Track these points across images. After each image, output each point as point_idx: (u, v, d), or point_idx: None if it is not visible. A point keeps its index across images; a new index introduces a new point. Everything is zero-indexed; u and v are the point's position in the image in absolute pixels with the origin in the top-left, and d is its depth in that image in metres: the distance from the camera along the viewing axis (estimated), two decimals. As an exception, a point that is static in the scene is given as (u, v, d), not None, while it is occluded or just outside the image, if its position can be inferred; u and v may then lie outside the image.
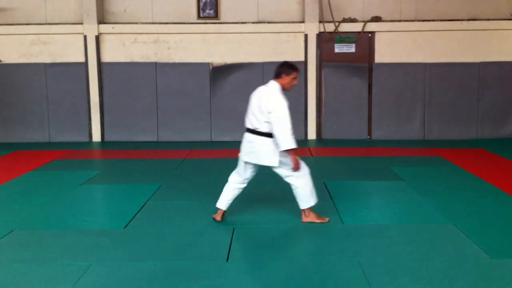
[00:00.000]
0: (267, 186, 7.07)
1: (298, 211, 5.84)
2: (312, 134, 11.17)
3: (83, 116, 11.15)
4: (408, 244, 4.80)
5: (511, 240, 4.87)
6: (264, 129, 5.18)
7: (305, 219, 5.43)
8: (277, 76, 5.26)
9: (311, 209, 5.45)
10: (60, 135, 11.19)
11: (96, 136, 11.18)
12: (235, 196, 5.55)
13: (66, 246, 4.82)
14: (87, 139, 11.18)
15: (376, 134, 11.19)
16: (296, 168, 5.16)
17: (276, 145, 5.15)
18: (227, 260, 4.45)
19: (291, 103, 11.17)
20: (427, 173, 7.74)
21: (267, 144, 5.18)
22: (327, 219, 5.46)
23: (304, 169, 5.30)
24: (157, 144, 10.93)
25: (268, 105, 5.10)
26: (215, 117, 11.20)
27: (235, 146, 10.39)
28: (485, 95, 11.09)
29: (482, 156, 9.15)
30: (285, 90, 5.30)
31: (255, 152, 5.22)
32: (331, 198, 6.36)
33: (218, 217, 5.51)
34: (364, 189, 6.90)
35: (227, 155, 9.55)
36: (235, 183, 5.50)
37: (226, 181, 7.36)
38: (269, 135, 5.18)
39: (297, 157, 5.21)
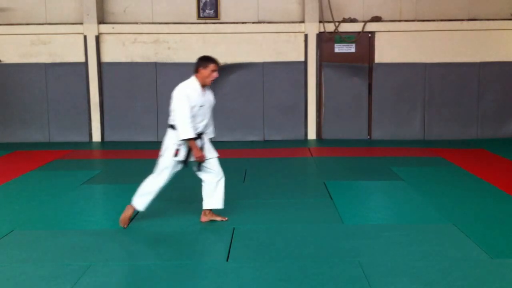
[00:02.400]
0: (267, 186, 7.07)
1: (296, 211, 5.85)
2: (312, 134, 11.17)
3: (83, 116, 11.15)
4: (408, 244, 4.80)
5: (511, 240, 4.87)
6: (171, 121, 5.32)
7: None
8: (195, 71, 5.33)
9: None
10: (60, 135, 11.18)
11: (96, 136, 11.18)
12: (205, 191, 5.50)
13: (66, 246, 4.82)
14: (87, 139, 11.18)
15: (376, 134, 11.19)
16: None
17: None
18: (227, 260, 4.46)
19: (291, 103, 11.33)
20: (427, 173, 7.74)
21: (169, 136, 5.30)
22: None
23: (157, 179, 5.29)
24: (157, 144, 10.89)
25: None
26: (215, 117, 11.04)
27: (235, 146, 10.51)
28: (485, 95, 11.08)
29: (482, 156, 9.15)
30: (205, 84, 5.33)
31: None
32: (331, 198, 6.36)
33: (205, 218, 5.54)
34: (364, 189, 6.91)
35: (226, 155, 9.55)
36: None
37: (226, 180, 7.38)
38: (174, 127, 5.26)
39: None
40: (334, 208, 5.93)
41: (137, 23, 11.04)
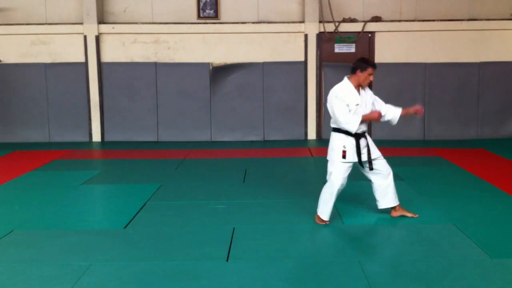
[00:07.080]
0: (267, 186, 7.07)
1: (297, 212, 5.84)
2: (312, 134, 11.17)
3: (83, 116, 11.15)
4: (408, 244, 4.80)
5: (511, 240, 4.87)
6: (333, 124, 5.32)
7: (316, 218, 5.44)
8: (352, 71, 5.29)
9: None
10: (60, 135, 11.18)
11: (96, 136, 11.17)
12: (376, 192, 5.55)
13: (66, 246, 4.82)
14: (87, 139, 11.18)
15: (377, 134, 11.16)
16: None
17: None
18: (227, 260, 4.46)
19: (291, 103, 11.30)
20: (427, 173, 7.74)
21: (332, 139, 5.30)
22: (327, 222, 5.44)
23: (332, 184, 5.27)
24: (157, 144, 10.92)
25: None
26: (215, 117, 11.19)
27: (235, 146, 10.51)
28: (485, 95, 11.08)
29: (482, 156, 9.15)
30: (360, 85, 5.33)
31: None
32: (331, 198, 6.34)
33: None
34: (364, 189, 6.89)
35: (227, 155, 9.55)
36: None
37: (226, 180, 7.39)
38: (337, 129, 5.26)
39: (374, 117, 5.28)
40: (334, 208, 5.91)
41: (137, 23, 11.04)
